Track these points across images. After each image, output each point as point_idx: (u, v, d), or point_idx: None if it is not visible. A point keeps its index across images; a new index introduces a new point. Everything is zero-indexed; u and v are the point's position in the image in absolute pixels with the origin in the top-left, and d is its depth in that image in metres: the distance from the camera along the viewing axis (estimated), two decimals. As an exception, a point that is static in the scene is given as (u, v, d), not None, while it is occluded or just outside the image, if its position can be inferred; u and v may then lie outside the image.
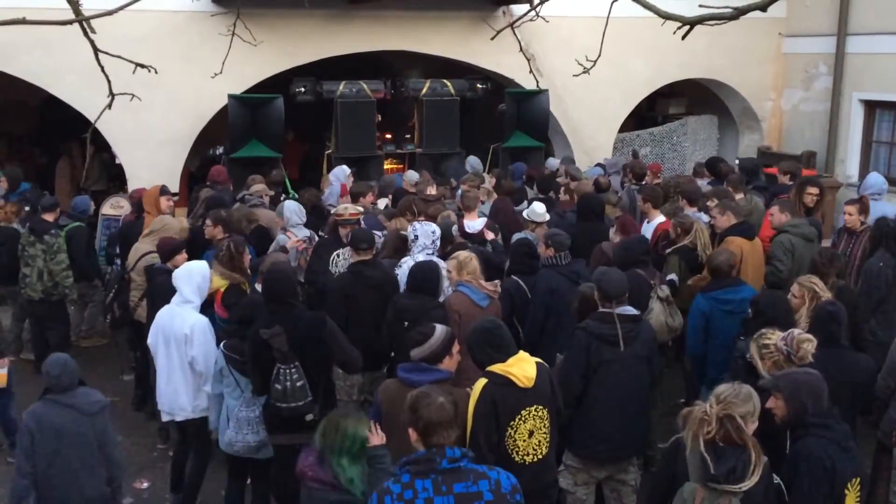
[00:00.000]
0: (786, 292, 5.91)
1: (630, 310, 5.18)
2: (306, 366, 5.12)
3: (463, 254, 6.14)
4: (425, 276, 5.92)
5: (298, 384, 5.07)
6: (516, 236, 8.01)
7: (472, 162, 11.65)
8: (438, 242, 6.87)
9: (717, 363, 6.02)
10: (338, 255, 7.19)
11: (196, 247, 7.53)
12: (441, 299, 6.14)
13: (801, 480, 3.78)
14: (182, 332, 5.77)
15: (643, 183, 9.83)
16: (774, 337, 4.70)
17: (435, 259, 6.63)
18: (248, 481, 5.87)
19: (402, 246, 7.00)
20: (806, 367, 4.42)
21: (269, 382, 5.15)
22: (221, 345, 5.57)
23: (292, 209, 8.11)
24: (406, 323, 5.63)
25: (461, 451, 3.37)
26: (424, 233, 6.81)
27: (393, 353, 6.02)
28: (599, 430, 5.04)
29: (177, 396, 5.91)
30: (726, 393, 3.71)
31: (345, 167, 10.54)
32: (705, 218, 7.91)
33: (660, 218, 8.07)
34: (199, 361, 5.77)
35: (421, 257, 6.67)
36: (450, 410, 3.41)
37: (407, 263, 6.68)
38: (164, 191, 8.49)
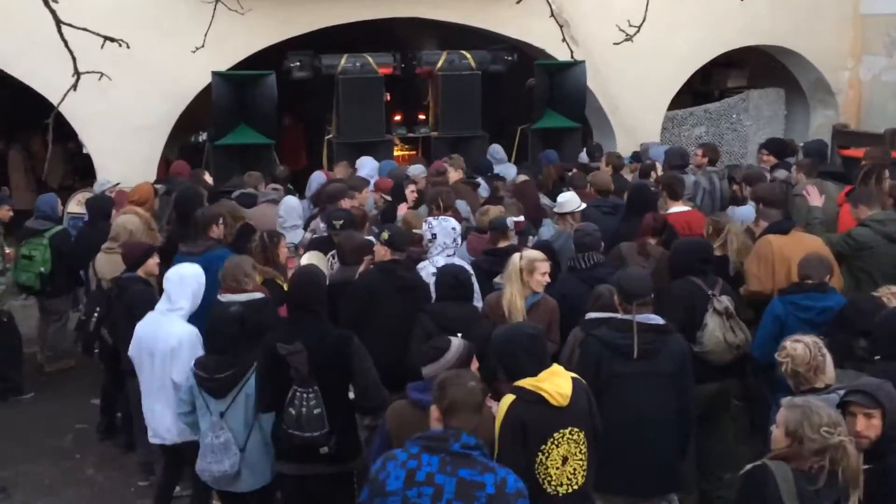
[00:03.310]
0: None
1: (654, 318, 5.17)
2: (326, 390, 5.14)
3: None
4: (462, 280, 5.95)
5: (315, 412, 5.09)
6: (542, 231, 8.03)
7: (494, 151, 11.62)
8: (460, 240, 6.89)
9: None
10: (333, 256, 7.20)
11: (169, 254, 7.56)
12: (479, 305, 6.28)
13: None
14: (168, 345, 5.83)
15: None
16: None
17: (458, 261, 6.66)
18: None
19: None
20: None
21: (278, 401, 5.19)
22: (193, 361, 5.64)
23: (289, 206, 8.14)
24: (458, 335, 5.62)
25: (477, 441, 3.69)
26: (444, 230, 6.82)
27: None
28: (615, 462, 4.96)
29: (161, 417, 5.99)
30: (831, 418, 3.77)
31: (369, 159, 10.62)
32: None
33: (678, 207, 8.08)
34: (180, 377, 5.80)
35: (441, 260, 6.68)
36: (478, 397, 3.75)
37: (426, 269, 6.71)
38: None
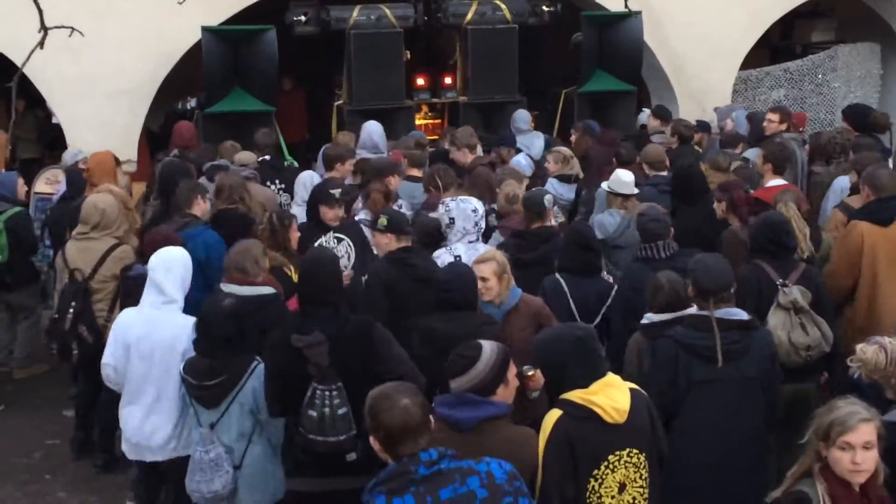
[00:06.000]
0: None
1: (737, 313, 5.20)
2: (349, 387, 5.15)
3: None
4: (461, 282, 5.75)
5: (340, 412, 5.11)
6: (602, 218, 8.00)
7: (519, 118, 11.45)
8: (483, 224, 6.90)
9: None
10: (350, 246, 7.26)
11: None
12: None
13: None
14: (179, 344, 5.84)
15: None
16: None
17: (480, 247, 6.64)
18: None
19: (433, 235, 7.01)
20: None
21: (294, 403, 5.22)
22: (182, 365, 5.71)
23: (306, 178, 8.17)
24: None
25: (438, 451, 3.70)
26: (462, 213, 6.81)
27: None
28: (690, 484, 4.99)
29: (154, 431, 5.99)
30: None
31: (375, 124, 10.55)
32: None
33: (776, 181, 8.02)
34: None
35: (461, 248, 6.68)
36: (416, 415, 3.71)
37: (442, 257, 6.70)
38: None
